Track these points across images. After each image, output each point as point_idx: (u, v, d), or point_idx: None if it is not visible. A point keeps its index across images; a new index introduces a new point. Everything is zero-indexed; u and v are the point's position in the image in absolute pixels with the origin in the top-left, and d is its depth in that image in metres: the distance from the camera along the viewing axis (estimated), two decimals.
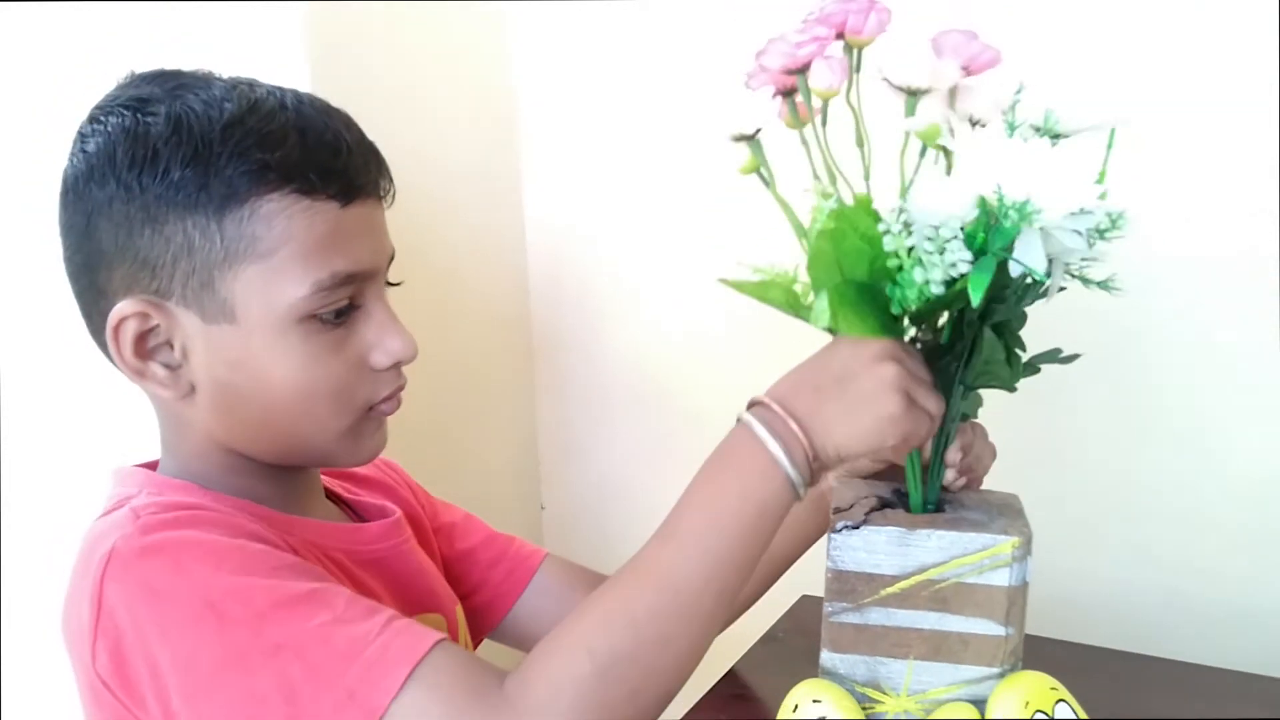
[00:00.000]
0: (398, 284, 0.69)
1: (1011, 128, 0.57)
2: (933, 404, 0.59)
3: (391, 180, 0.67)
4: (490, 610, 0.84)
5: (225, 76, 0.64)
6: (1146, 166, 0.60)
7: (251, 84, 0.63)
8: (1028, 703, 0.60)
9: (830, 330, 0.59)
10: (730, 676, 0.78)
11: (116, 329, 0.61)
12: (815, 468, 0.59)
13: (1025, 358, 0.63)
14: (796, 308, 0.61)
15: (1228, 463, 0.91)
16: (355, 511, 0.77)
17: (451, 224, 1.15)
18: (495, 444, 1.26)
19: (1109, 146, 0.55)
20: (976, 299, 0.53)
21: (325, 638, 0.55)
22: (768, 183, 0.65)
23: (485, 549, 0.85)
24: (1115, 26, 0.88)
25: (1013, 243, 0.54)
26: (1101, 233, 0.55)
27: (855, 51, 0.63)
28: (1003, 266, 0.55)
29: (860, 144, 0.62)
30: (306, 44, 0.93)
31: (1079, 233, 0.55)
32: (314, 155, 0.61)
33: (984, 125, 0.63)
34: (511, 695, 0.55)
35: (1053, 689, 0.61)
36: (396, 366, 0.66)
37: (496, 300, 1.24)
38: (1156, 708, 0.73)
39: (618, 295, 1.19)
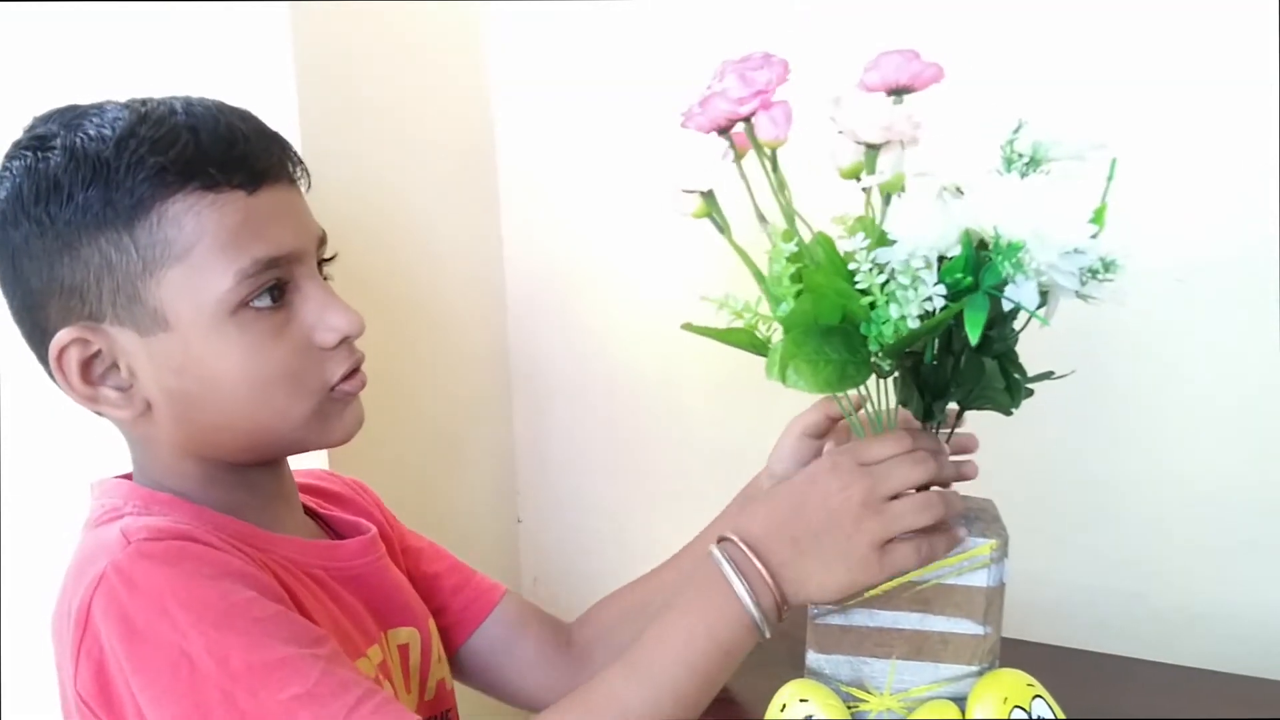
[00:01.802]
0: (331, 258, 0.70)
1: (1009, 163, 0.59)
2: (925, 518, 0.60)
3: (301, 163, 0.68)
4: (447, 637, 0.84)
5: (122, 100, 0.64)
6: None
7: (145, 100, 0.64)
8: (1006, 699, 0.62)
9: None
10: None
11: (59, 360, 0.62)
12: (784, 613, 0.61)
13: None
14: (760, 349, 0.64)
15: (1186, 472, 0.94)
16: (331, 527, 0.78)
17: (429, 239, 1.16)
18: (472, 458, 1.27)
19: (1109, 179, 0.57)
20: (975, 337, 0.55)
21: (291, 715, 0.55)
22: (722, 229, 0.67)
23: (449, 575, 0.85)
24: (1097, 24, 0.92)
25: (1004, 281, 0.57)
26: (1094, 273, 0.57)
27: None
28: (995, 301, 0.57)
29: (781, 189, 0.65)
30: (293, 44, 0.94)
31: (1072, 272, 0.57)
32: (209, 150, 0.61)
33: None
34: None
35: (1029, 685, 0.63)
36: (346, 342, 0.66)
37: (475, 314, 1.25)
38: (1123, 703, 0.76)
39: (594, 312, 1.21)
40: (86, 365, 0.63)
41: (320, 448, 0.69)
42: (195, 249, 0.61)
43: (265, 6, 0.94)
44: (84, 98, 0.80)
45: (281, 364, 0.64)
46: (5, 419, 1.08)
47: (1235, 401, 0.92)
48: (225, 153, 0.62)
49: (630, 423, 1.22)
